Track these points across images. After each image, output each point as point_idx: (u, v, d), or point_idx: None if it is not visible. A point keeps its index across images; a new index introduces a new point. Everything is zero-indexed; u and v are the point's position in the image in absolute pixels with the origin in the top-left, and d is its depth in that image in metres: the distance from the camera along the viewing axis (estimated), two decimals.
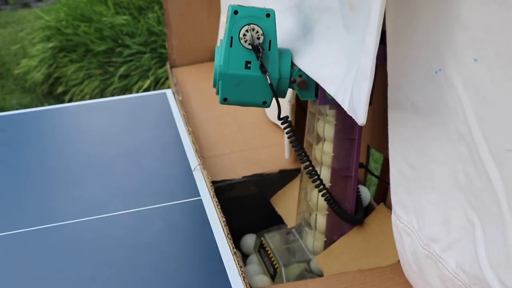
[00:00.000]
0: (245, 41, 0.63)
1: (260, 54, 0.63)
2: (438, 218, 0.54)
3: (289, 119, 0.69)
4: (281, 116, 0.68)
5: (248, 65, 0.64)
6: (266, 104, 0.68)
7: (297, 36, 0.69)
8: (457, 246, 0.52)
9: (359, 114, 0.52)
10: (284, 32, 0.68)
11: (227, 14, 0.64)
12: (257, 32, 0.63)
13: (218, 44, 0.71)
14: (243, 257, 1.02)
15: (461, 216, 0.51)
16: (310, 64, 0.65)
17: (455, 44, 0.46)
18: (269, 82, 0.64)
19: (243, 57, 0.64)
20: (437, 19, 0.48)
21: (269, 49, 0.64)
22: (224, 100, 0.66)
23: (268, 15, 0.64)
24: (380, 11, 0.46)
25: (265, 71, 0.64)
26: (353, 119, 0.75)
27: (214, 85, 0.68)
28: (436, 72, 0.50)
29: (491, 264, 0.46)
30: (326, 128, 0.76)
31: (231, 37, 0.63)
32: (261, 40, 0.64)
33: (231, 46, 0.64)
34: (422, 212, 0.57)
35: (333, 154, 0.76)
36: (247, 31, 0.63)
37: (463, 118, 0.47)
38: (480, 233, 0.48)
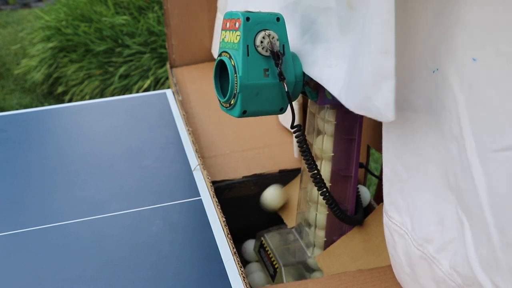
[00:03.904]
0: (263, 48, 0.61)
1: (280, 61, 0.61)
2: (432, 218, 0.54)
3: (302, 128, 0.68)
4: (295, 124, 0.67)
5: (266, 72, 0.62)
6: (282, 110, 0.65)
7: (293, 37, 0.68)
8: (450, 246, 0.52)
9: (388, 113, 0.50)
10: None
11: (239, 22, 0.61)
12: (273, 37, 0.61)
13: (217, 44, 0.69)
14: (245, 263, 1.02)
15: (453, 217, 0.51)
16: (312, 65, 0.64)
17: (454, 43, 0.46)
18: (286, 90, 0.62)
19: (261, 65, 0.61)
20: (437, 18, 0.48)
21: (284, 54, 0.63)
22: (243, 113, 0.63)
23: (278, 19, 0.62)
24: (392, 7, 0.46)
25: (283, 79, 0.61)
26: (353, 119, 0.75)
27: (227, 100, 0.64)
28: (433, 72, 0.50)
29: (482, 265, 0.46)
30: (326, 128, 0.76)
31: (247, 46, 0.60)
32: (278, 46, 0.61)
33: (248, 55, 0.60)
34: (416, 212, 0.57)
35: (333, 154, 0.76)
36: (263, 37, 0.61)
37: (456, 118, 0.47)
38: (469, 234, 0.48)
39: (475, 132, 0.44)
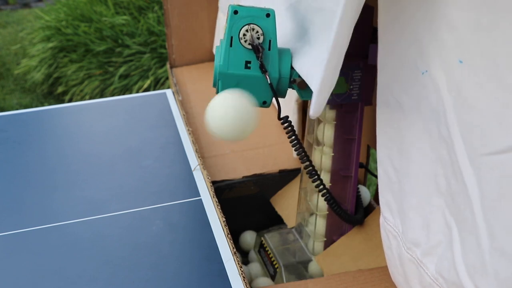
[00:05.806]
0: (245, 41, 0.63)
1: (260, 54, 0.63)
2: (419, 222, 0.54)
3: (289, 119, 0.69)
4: (281, 116, 0.68)
5: (248, 65, 0.64)
6: (266, 104, 0.67)
7: (296, 37, 0.69)
8: (436, 251, 0.52)
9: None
10: (285, 33, 0.68)
11: (227, 14, 0.64)
12: (257, 32, 0.63)
13: (218, 43, 0.71)
14: (243, 254, 1.02)
15: (440, 221, 0.51)
16: (312, 66, 0.65)
17: (442, 45, 0.46)
18: (269, 82, 0.64)
19: (243, 57, 0.64)
20: (426, 19, 0.48)
21: (269, 49, 0.64)
22: None
23: (268, 15, 0.64)
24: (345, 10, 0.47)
25: (265, 71, 0.64)
26: (353, 119, 0.75)
27: (214, 85, 0.68)
28: (422, 73, 0.50)
29: (467, 270, 0.45)
30: (326, 128, 0.76)
31: (231, 37, 0.63)
32: (261, 40, 0.64)
33: (231, 46, 0.64)
34: (404, 215, 0.57)
35: (333, 154, 0.76)
36: (247, 31, 0.63)
37: (444, 120, 0.47)
38: (457, 238, 0.47)
39: (464, 135, 0.44)
